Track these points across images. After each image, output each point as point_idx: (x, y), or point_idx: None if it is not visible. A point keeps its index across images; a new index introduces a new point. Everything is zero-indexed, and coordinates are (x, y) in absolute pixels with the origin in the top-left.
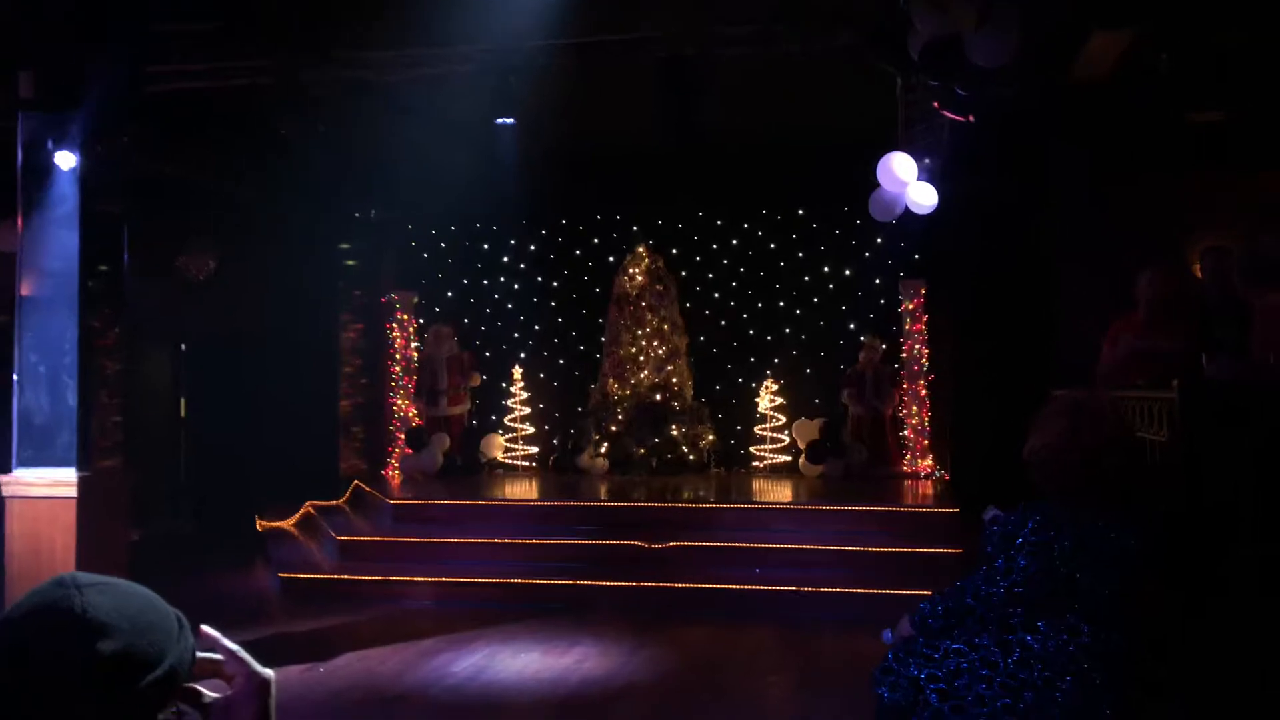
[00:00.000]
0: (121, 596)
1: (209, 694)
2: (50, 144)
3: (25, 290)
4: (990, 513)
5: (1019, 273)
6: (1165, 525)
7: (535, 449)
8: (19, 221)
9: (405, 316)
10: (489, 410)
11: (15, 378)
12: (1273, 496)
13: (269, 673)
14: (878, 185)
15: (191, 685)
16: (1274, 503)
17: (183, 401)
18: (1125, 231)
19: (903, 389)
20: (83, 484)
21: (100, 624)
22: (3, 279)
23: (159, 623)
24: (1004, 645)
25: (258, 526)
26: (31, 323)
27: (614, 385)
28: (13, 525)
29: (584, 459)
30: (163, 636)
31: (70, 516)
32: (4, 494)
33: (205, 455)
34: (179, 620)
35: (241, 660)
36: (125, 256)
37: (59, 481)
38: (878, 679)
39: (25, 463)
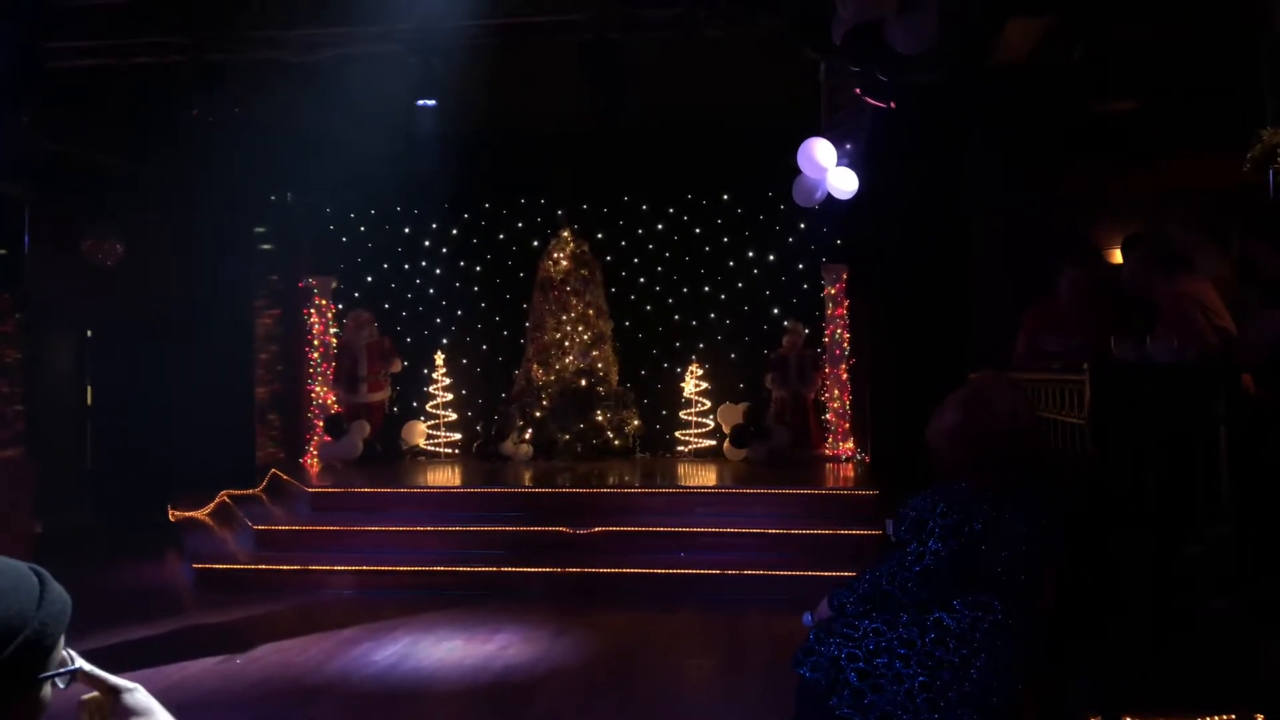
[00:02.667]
0: None
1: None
2: None
3: None
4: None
5: (938, 258)
6: (1074, 503)
7: (458, 435)
8: None
9: (323, 302)
10: (410, 397)
11: None
12: (1173, 473)
13: (131, 686)
14: (800, 171)
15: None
16: (1175, 479)
17: (89, 389)
18: (1040, 219)
19: (825, 373)
20: None
21: None
22: None
23: (14, 587)
24: (921, 625)
25: (170, 517)
26: None
27: (538, 371)
28: None
29: (508, 445)
30: (21, 600)
31: None
32: None
33: (114, 445)
34: (40, 581)
35: (99, 680)
36: (26, 239)
37: None
38: (799, 659)
39: None
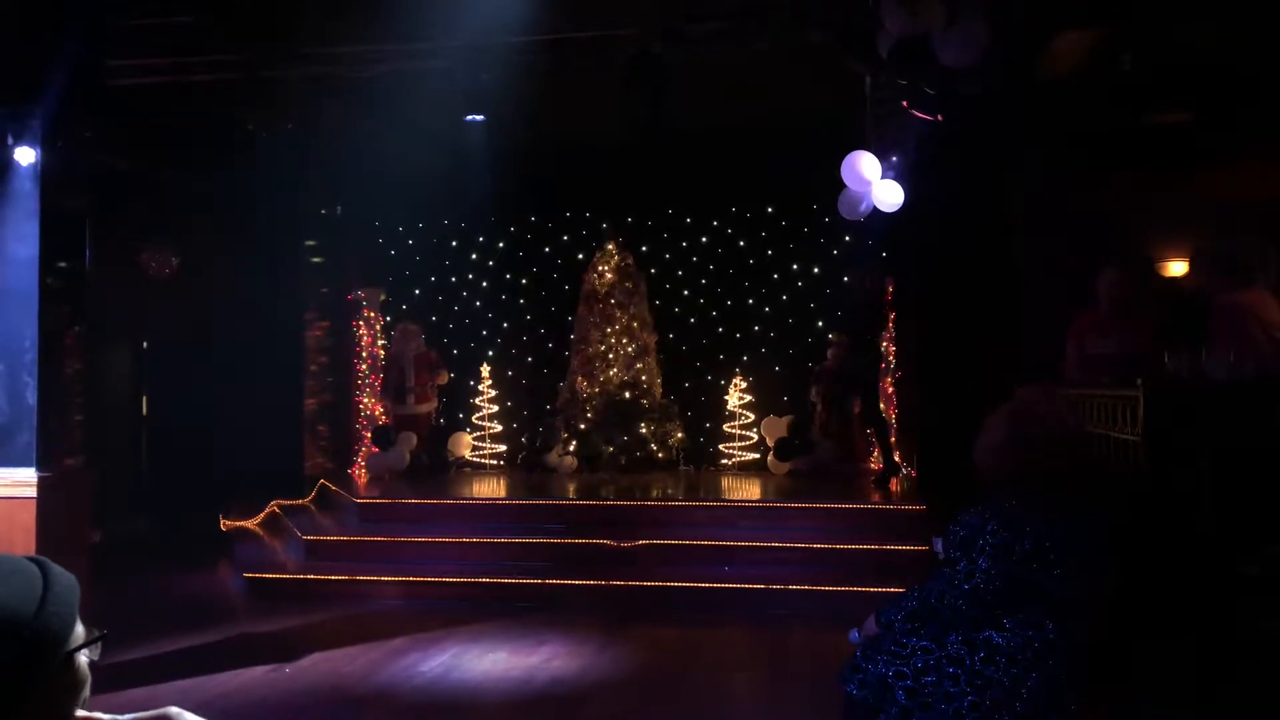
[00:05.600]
0: None
1: None
2: (10, 139)
3: None
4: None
5: (985, 271)
6: (1128, 520)
7: (503, 447)
8: None
9: (372, 314)
10: (457, 408)
11: None
12: (1229, 491)
13: (163, 710)
14: (845, 184)
15: None
16: (1231, 497)
17: (145, 400)
18: (1090, 230)
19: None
20: (43, 484)
21: None
22: None
23: (15, 581)
24: (971, 643)
25: (222, 526)
26: None
27: (583, 383)
28: None
29: (552, 457)
30: (24, 590)
31: (30, 517)
32: None
33: (169, 454)
34: (43, 570)
35: None
36: (87, 253)
37: (18, 482)
38: (846, 676)
39: None
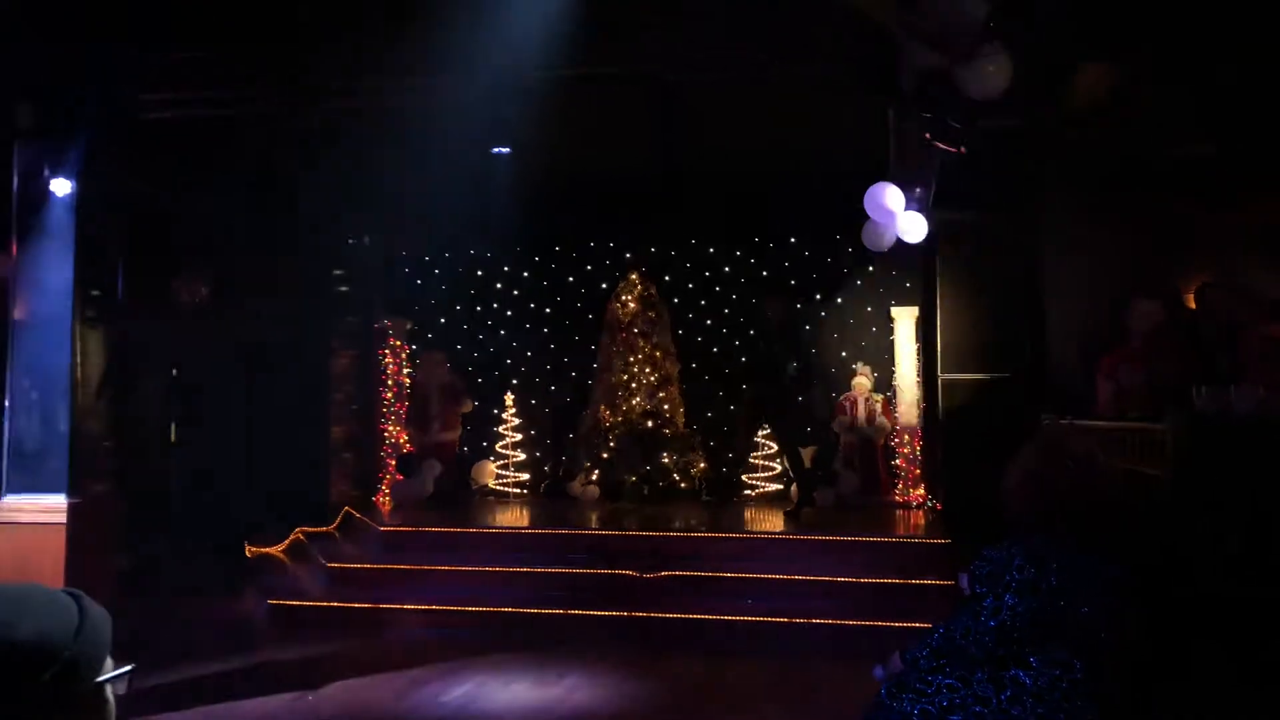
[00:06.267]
0: (3, 598)
1: None
2: (47, 172)
3: (18, 315)
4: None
5: (1011, 302)
6: (1153, 558)
7: (526, 475)
8: (13, 248)
9: (398, 343)
10: (481, 437)
11: (6, 403)
12: (1257, 527)
13: None
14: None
15: None
16: (1259, 532)
17: (174, 427)
18: (1115, 263)
19: (895, 418)
20: (72, 510)
21: None
22: None
23: (52, 614)
24: (997, 682)
25: (247, 553)
26: (23, 347)
27: (605, 412)
28: (1, 553)
29: (575, 486)
30: (60, 624)
31: (59, 542)
32: None
33: (195, 480)
34: (79, 603)
35: None
36: (120, 282)
37: (48, 508)
38: (870, 713)
39: (15, 489)
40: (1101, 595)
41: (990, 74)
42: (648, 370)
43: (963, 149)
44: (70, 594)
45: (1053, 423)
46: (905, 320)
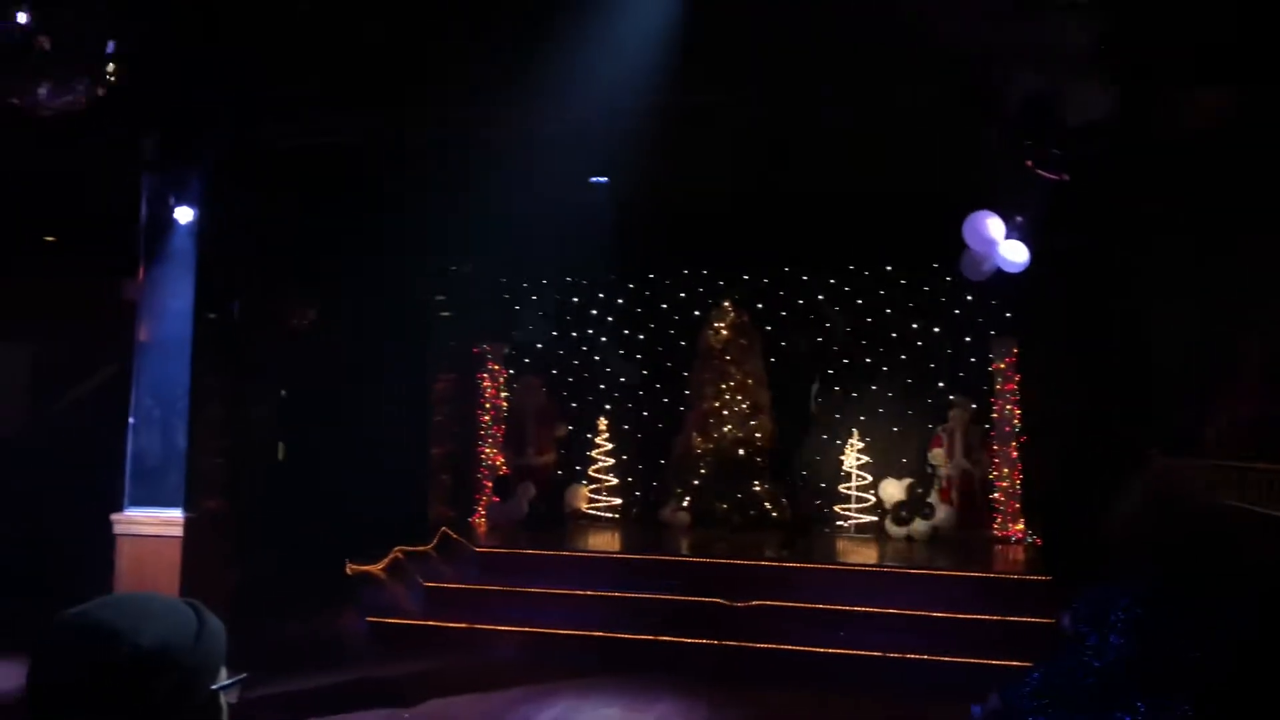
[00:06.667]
0: (130, 607)
1: None
2: (171, 200)
3: (143, 337)
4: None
5: (1115, 333)
6: (1273, 603)
7: (618, 500)
8: (140, 273)
9: (496, 367)
10: (574, 461)
11: (131, 420)
12: None
13: None
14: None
15: None
16: None
17: (281, 446)
18: (1225, 295)
19: (993, 450)
20: (188, 524)
21: (113, 631)
22: (126, 326)
23: (175, 622)
24: None
25: (348, 570)
26: (147, 367)
27: (697, 439)
28: (122, 562)
29: (666, 512)
30: (181, 634)
31: (176, 555)
32: (115, 531)
33: (300, 499)
34: (197, 614)
35: None
36: (235, 305)
37: (167, 520)
38: None
39: (136, 502)
40: (1215, 640)
41: (1096, 99)
42: (739, 398)
43: (1065, 176)
44: (188, 604)
45: (1161, 460)
46: (1005, 350)
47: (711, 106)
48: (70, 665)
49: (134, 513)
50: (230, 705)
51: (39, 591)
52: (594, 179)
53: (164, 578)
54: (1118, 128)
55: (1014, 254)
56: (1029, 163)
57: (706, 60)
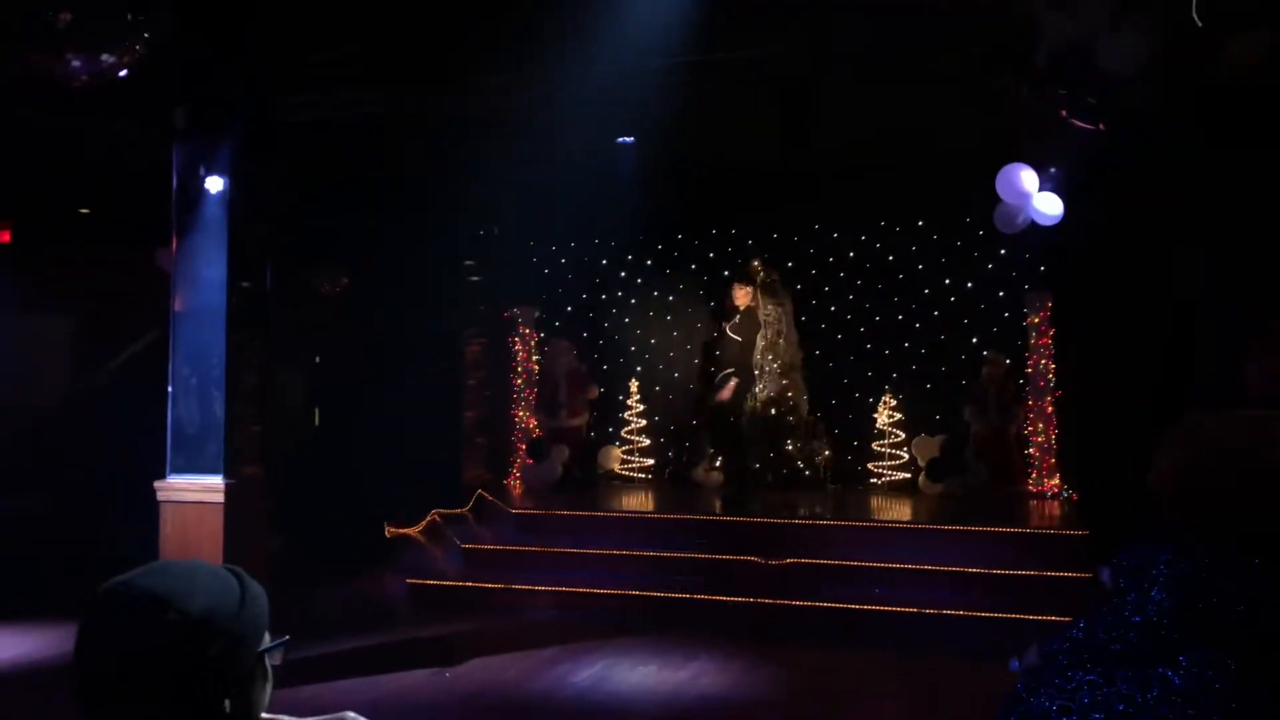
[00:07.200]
0: (175, 575)
1: None
2: (202, 170)
3: (178, 306)
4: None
5: (1153, 285)
6: None
7: (651, 461)
8: (174, 243)
9: (526, 330)
10: (606, 422)
11: (170, 389)
12: None
13: (341, 715)
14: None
15: None
16: None
17: (316, 412)
18: (1267, 243)
19: (1028, 406)
20: (228, 490)
21: (160, 598)
22: (161, 296)
23: (221, 589)
24: (1143, 681)
25: (386, 533)
26: (183, 337)
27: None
28: (166, 528)
29: (699, 473)
30: (227, 599)
31: (217, 521)
32: (159, 498)
33: (337, 463)
34: (240, 581)
35: None
36: (268, 274)
37: (207, 487)
38: (1008, 708)
39: (177, 469)
40: (1261, 595)
41: (1133, 45)
42: (770, 357)
43: (1101, 126)
44: (230, 569)
45: (1204, 412)
46: (1039, 304)
47: (741, 63)
48: (119, 633)
49: (176, 480)
50: (274, 668)
51: (85, 560)
52: (621, 139)
53: (207, 544)
54: (1158, 75)
55: (1048, 206)
56: (1063, 113)
57: (736, 15)
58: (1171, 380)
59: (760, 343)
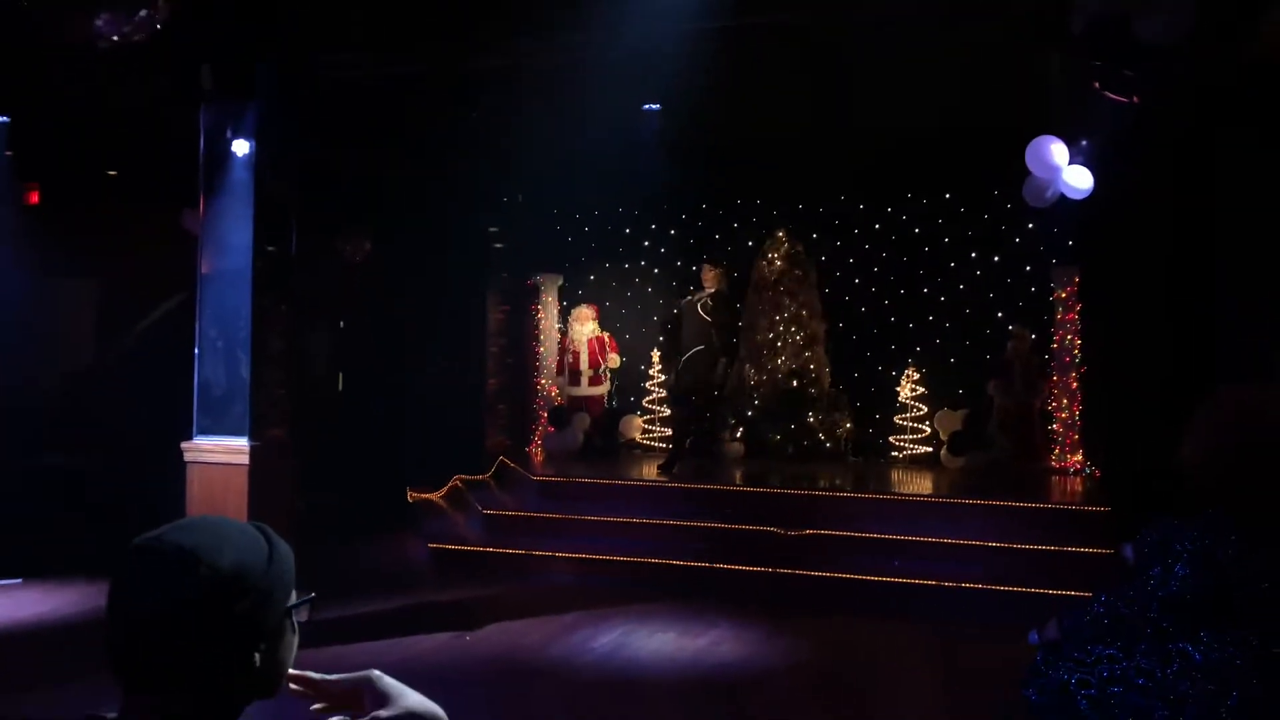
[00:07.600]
0: (204, 530)
1: None
2: (229, 133)
3: (205, 269)
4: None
5: (1182, 261)
6: None
7: (671, 431)
8: (201, 205)
9: (549, 298)
10: (628, 391)
11: (196, 351)
12: None
13: (366, 673)
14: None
15: None
16: None
17: (341, 376)
18: None
19: (1052, 381)
20: (254, 452)
21: (190, 553)
22: (188, 259)
23: (250, 545)
24: (1163, 655)
25: (409, 498)
26: (210, 299)
27: (751, 370)
28: (193, 489)
29: (720, 443)
30: (256, 556)
31: (242, 482)
32: (186, 459)
33: (360, 428)
34: (266, 538)
35: (337, 684)
36: (293, 238)
37: (233, 448)
38: (1027, 680)
39: (204, 431)
40: None
41: (1170, 15)
42: (793, 329)
43: (1135, 98)
44: (256, 527)
45: (1235, 387)
46: (1066, 279)
47: (772, 28)
48: (150, 589)
49: (202, 441)
50: (299, 624)
51: (115, 519)
52: (647, 106)
53: (233, 505)
54: (1193, 48)
55: (1078, 180)
56: (1096, 85)
57: None
58: (1197, 358)
59: (783, 314)
